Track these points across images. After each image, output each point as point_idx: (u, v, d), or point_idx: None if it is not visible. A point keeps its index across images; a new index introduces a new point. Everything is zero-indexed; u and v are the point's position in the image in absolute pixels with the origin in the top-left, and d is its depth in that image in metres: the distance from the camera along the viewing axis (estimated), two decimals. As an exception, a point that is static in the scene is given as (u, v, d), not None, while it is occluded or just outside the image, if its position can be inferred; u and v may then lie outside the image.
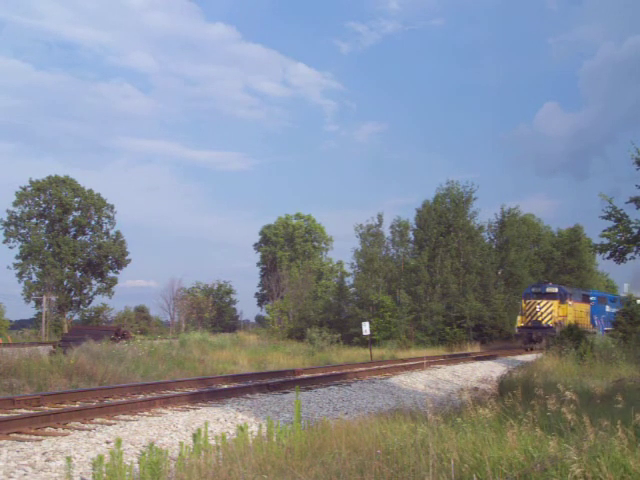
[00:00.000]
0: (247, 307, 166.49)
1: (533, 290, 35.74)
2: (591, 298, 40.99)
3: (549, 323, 33.34)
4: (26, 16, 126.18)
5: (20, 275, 56.97)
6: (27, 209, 58.18)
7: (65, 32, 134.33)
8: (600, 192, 15.53)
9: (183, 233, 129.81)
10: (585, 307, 38.67)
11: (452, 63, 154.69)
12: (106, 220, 60.98)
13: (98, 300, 60.76)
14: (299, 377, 17.36)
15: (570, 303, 35.21)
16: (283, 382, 15.33)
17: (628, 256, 15.95)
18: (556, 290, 34.85)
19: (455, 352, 32.30)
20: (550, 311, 33.62)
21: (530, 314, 34.14)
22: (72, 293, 59.24)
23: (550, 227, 63.01)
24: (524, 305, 34.93)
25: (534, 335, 33.10)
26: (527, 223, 53.89)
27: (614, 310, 43.16)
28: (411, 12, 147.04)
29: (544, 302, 33.92)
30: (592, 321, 38.95)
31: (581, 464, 4.73)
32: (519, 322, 34.74)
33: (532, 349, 32.33)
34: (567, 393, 6.66)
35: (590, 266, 58.00)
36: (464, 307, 40.50)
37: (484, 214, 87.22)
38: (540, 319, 33.70)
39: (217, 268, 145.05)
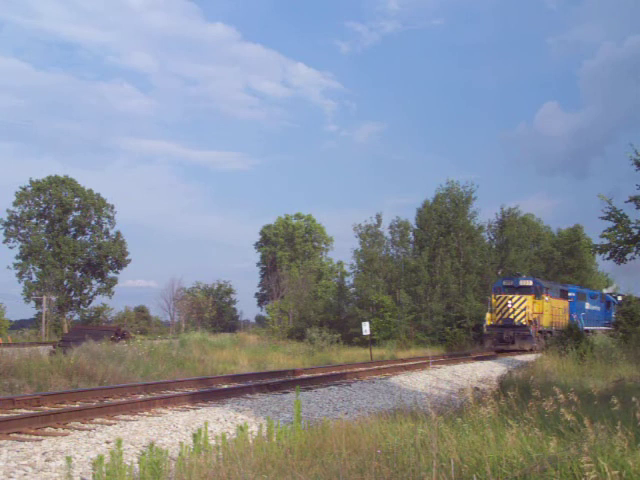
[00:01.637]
0: (247, 307, 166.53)
1: (504, 283, 31.72)
2: (570, 294, 37.12)
3: (522, 321, 29.36)
4: (26, 16, 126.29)
5: (20, 275, 57.05)
6: (27, 209, 58.25)
7: (65, 32, 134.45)
8: (599, 192, 15.53)
9: (183, 233, 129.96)
10: (563, 303, 35.04)
11: (452, 63, 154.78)
12: (106, 220, 61.11)
13: (98, 300, 60.96)
14: (299, 377, 17.36)
15: (547, 298, 31.24)
16: (283, 382, 15.33)
17: (628, 256, 15.96)
18: (531, 283, 30.91)
19: (455, 352, 32.28)
20: (524, 307, 29.59)
21: (501, 311, 30.09)
22: (72, 293, 59.28)
23: (550, 227, 63.18)
24: (494, 300, 30.77)
25: (505, 335, 29.31)
26: (527, 223, 53.93)
27: (594, 307, 40.20)
28: (410, 12, 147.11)
29: (517, 297, 29.83)
30: (571, 319, 35.15)
31: (596, 469, 4.72)
32: (488, 320, 30.44)
33: (503, 351, 29.15)
34: (564, 394, 6.65)
35: (590, 266, 58.06)
36: (464, 307, 40.50)
37: (484, 214, 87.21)
38: (512, 316, 29.65)
39: (217, 268, 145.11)
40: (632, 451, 5.17)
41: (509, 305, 29.83)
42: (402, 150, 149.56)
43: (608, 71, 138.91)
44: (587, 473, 4.58)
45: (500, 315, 30.14)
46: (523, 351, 29.17)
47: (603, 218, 15.94)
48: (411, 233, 46.27)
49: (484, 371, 20.73)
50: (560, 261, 54.61)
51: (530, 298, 29.95)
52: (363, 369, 19.17)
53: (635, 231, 15.39)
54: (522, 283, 31.00)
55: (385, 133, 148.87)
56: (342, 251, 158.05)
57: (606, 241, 15.86)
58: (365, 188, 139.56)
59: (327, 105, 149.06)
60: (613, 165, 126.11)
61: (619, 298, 43.23)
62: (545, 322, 30.79)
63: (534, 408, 7.11)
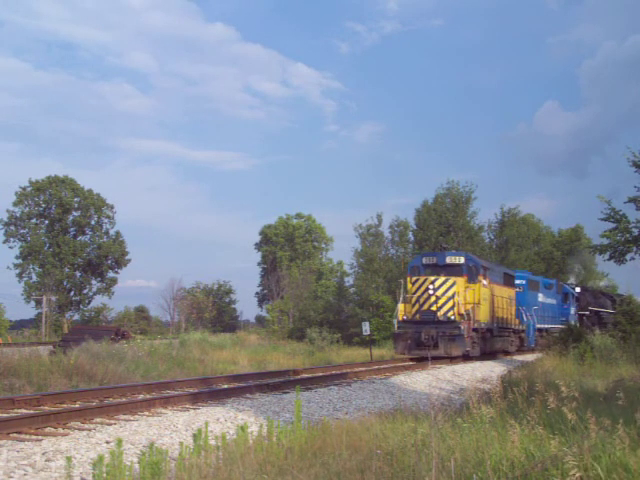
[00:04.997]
0: (247, 307, 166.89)
1: (424, 261, 22.55)
2: (518, 281, 28.76)
3: (450, 315, 20.60)
4: (26, 16, 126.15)
5: (20, 275, 57.09)
6: (27, 209, 58.31)
7: (64, 32, 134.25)
8: (599, 193, 15.61)
9: (183, 233, 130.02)
10: (508, 292, 26.25)
11: (451, 63, 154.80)
12: (106, 220, 61.19)
13: (98, 300, 61.00)
14: (299, 377, 17.35)
15: (485, 283, 22.45)
16: (283, 382, 15.32)
17: (628, 257, 16.02)
18: (462, 260, 21.88)
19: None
20: (452, 294, 20.81)
21: (418, 300, 21.24)
22: (72, 293, 59.31)
23: (550, 227, 63.33)
24: (409, 285, 21.90)
25: (424, 335, 20.51)
26: (527, 223, 54.02)
27: (549, 300, 33.18)
28: (410, 12, 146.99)
29: (442, 280, 21.06)
30: (518, 314, 27.58)
31: (580, 468, 4.72)
32: (400, 313, 21.74)
33: (423, 360, 20.23)
34: (567, 390, 6.65)
35: (590, 266, 58.18)
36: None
37: (484, 214, 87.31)
38: (435, 308, 20.82)
39: (217, 268, 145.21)
40: (632, 450, 5.17)
41: (430, 291, 20.98)
42: (402, 150, 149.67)
43: (608, 71, 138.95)
44: (574, 472, 4.58)
45: (418, 306, 21.29)
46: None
47: (603, 219, 16.00)
48: (410, 233, 46.37)
49: (484, 371, 20.71)
50: (560, 261, 54.66)
51: (461, 281, 21.29)
52: (363, 369, 19.15)
53: (635, 231, 15.43)
54: (450, 260, 21.98)
55: (385, 133, 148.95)
56: (342, 251, 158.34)
57: (606, 241, 15.92)
58: (365, 188, 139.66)
59: (327, 105, 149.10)
60: (613, 165, 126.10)
61: (577, 289, 39.17)
62: (482, 316, 22.18)
63: (536, 407, 7.10)
